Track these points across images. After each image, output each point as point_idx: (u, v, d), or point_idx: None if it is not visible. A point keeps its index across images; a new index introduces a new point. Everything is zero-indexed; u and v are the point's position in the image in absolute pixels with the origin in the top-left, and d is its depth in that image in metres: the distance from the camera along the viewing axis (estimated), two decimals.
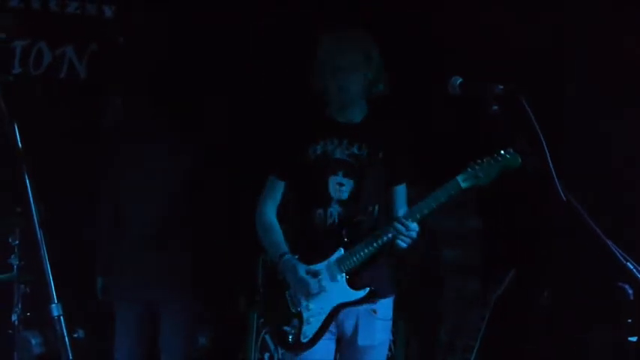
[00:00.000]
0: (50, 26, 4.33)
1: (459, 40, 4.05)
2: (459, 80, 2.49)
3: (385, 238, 2.80)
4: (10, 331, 3.51)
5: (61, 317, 1.85)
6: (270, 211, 2.97)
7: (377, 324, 2.93)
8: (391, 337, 3.99)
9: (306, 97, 3.02)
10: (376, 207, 2.93)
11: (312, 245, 2.88)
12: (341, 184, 2.89)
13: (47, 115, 4.15)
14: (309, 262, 2.84)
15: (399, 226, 2.76)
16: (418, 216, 2.79)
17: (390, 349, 4.04)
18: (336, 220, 2.88)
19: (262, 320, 2.97)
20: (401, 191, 2.99)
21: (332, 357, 2.94)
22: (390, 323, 3.01)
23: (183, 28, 4.29)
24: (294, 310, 2.84)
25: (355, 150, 2.90)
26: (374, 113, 2.98)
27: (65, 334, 1.85)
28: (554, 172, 2.14)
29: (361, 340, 2.90)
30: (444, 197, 2.76)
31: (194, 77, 4.09)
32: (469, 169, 2.77)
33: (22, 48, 4.25)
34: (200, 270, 3.65)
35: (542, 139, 2.14)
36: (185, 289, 3.63)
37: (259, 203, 3.00)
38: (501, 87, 2.35)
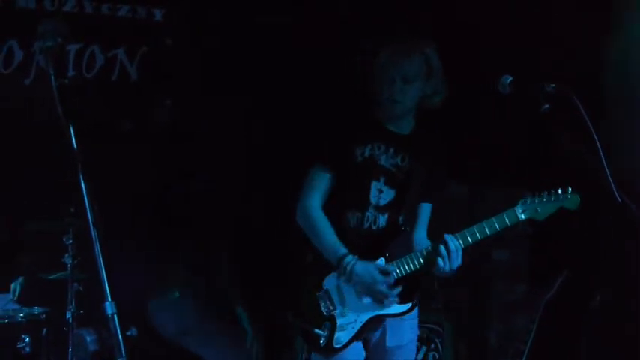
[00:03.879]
0: (102, 30, 4.43)
1: (502, 40, 3.99)
2: (510, 79, 2.46)
3: (429, 261, 2.73)
4: (65, 329, 3.59)
5: (115, 315, 1.87)
6: (319, 205, 2.85)
7: (404, 324, 2.89)
8: (438, 339, 3.97)
9: (355, 95, 2.99)
10: (401, 217, 2.87)
11: (352, 249, 2.79)
12: (381, 191, 2.84)
13: (100, 116, 4.23)
14: None
15: (443, 250, 2.67)
16: (470, 240, 2.71)
17: (437, 351, 4.01)
18: (373, 226, 2.84)
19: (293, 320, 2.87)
20: (427, 210, 2.95)
21: (362, 358, 2.88)
22: (416, 321, 2.95)
23: (231, 29, 4.33)
24: (325, 314, 2.77)
25: (399, 161, 2.87)
26: (421, 126, 2.93)
27: (119, 331, 1.87)
28: (608, 173, 2.10)
29: (390, 342, 2.86)
30: (499, 226, 2.70)
31: (240, 77, 4.13)
32: (528, 202, 2.72)
33: (75, 51, 4.36)
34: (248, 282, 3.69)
35: (596, 139, 2.10)
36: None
37: (305, 196, 2.87)
38: (553, 86, 2.31)
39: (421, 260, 2.74)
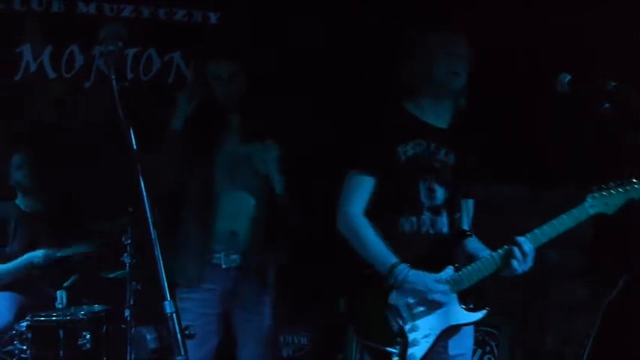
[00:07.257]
0: (159, 34, 4.51)
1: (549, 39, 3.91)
2: (568, 77, 2.40)
3: (502, 265, 2.59)
4: (124, 326, 3.67)
5: (174, 314, 1.90)
6: (361, 211, 2.68)
7: (466, 330, 2.73)
8: (494, 342, 3.92)
9: (387, 95, 2.86)
10: (457, 217, 2.75)
11: (410, 257, 2.63)
12: (431, 190, 2.69)
13: (157, 118, 4.30)
14: None
15: (518, 253, 2.55)
16: (542, 239, 2.59)
17: (493, 354, 3.96)
18: (431, 230, 2.69)
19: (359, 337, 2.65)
20: (471, 206, 2.83)
21: None
22: (473, 326, 2.80)
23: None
24: (396, 329, 2.59)
25: (442, 156, 2.72)
26: (457, 122, 2.80)
27: (178, 330, 1.90)
28: None
29: (452, 350, 2.70)
30: (571, 222, 2.59)
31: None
32: (597, 195, 2.60)
33: (133, 55, 4.46)
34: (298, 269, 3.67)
35: None
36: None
37: (346, 203, 2.70)
38: (614, 84, 2.26)
39: (494, 266, 2.60)
